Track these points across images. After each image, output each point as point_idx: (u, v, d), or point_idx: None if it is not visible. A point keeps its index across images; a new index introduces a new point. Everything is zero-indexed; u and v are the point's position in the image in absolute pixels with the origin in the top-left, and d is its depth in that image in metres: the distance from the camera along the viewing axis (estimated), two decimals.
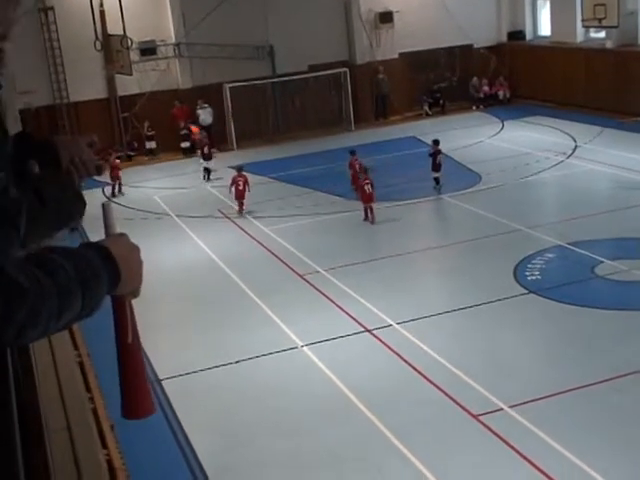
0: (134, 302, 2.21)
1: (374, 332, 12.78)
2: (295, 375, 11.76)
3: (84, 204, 2.46)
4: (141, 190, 23.17)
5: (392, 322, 13.05)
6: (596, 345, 11.72)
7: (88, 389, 4.46)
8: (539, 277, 14.42)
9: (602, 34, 28.85)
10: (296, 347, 12.55)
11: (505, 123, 28.52)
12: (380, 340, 12.49)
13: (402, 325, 12.92)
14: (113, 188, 23.07)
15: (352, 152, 21.32)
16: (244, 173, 20.56)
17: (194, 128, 27.69)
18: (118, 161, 24.01)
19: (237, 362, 12.24)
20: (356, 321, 13.26)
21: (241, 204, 20.36)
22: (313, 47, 29.83)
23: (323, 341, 12.66)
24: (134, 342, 2.17)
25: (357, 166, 20.52)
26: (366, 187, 18.35)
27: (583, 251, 15.38)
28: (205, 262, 17.17)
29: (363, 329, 12.95)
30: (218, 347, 12.93)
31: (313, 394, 11.13)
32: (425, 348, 12.01)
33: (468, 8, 31.64)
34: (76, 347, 5.07)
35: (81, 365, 4.81)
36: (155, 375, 12.00)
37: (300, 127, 28.53)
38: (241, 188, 20.30)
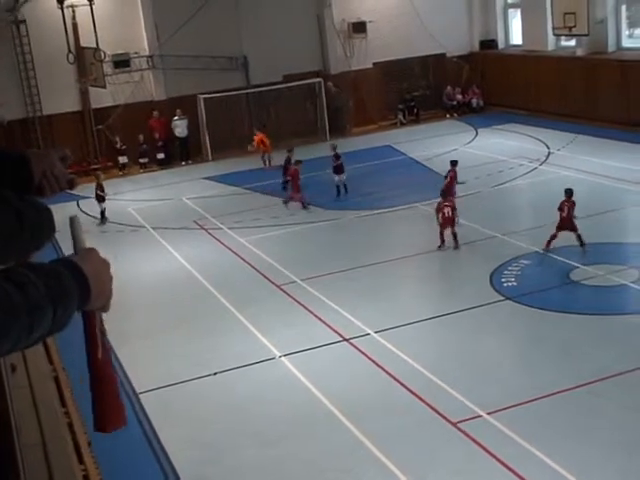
0: (106, 315, 2.20)
1: (352, 341, 12.78)
2: (273, 385, 11.73)
3: (54, 228, 2.43)
4: (116, 202, 23.03)
5: (370, 331, 13.06)
6: (573, 350, 11.79)
7: (63, 403, 4.42)
8: (515, 283, 14.50)
9: (572, 42, 29.14)
10: (274, 357, 12.51)
11: (479, 131, 28.70)
12: (358, 349, 12.49)
13: (380, 334, 12.92)
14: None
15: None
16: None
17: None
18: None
19: (215, 374, 12.19)
20: (334, 330, 13.25)
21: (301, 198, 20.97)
22: (287, 57, 29.89)
23: (301, 351, 12.64)
24: (104, 357, 2.16)
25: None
26: (445, 210, 16.57)
27: (558, 257, 15.48)
28: (182, 274, 17.10)
29: (341, 338, 12.95)
30: (196, 359, 12.87)
31: (292, 404, 11.11)
32: (403, 356, 12.02)
33: (441, 18, 31.90)
34: (51, 361, 5.03)
35: (56, 379, 4.76)
36: (132, 388, 11.92)
37: (275, 137, 28.50)
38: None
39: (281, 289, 15.47)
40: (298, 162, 21.67)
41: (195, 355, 13.04)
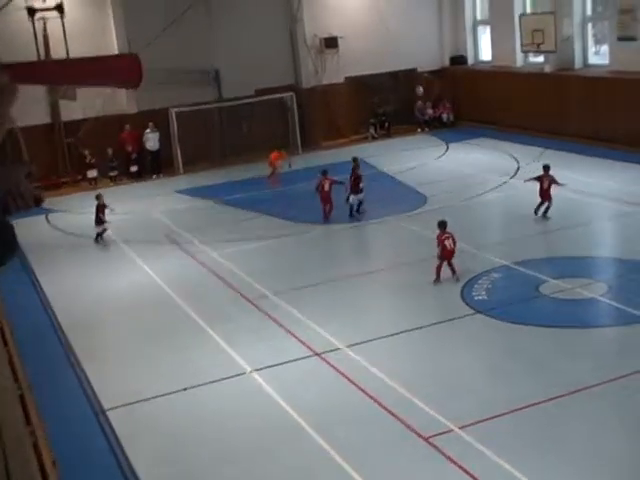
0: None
1: (323, 356, 12.75)
2: (244, 401, 11.67)
3: (15, 247, 2.40)
4: (85, 216, 22.85)
5: (341, 345, 13.05)
6: (543, 363, 11.86)
7: (29, 422, 4.36)
8: (486, 297, 14.58)
9: (541, 58, 29.49)
10: (244, 373, 12.45)
11: (450, 145, 28.90)
12: (329, 364, 12.46)
13: (351, 348, 12.91)
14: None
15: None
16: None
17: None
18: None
19: (185, 389, 12.10)
20: (305, 345, 13.22)
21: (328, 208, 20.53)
22: (259, 71, 29.97)
23: (272, 366, 12.59)
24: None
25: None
26: (447, 242, 15.52)
27: (528, 270, 15.59)
28: (152, 288, 16.99)
29: (312, 353, 12.92)
30: (165, 374, 12.77)
31: (262, 420, 11.05)
32: (374, 370, 12.02)
33: (411, 33, 32.22)
34: (17, 379, 4.96)
35: (22, 398, 4.70)
36: (100, 405, 11.79)
37: (248, 151, 28.52)
38: (327, 189, 20.42)
39: (253, 303, 15.42)
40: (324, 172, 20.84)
41: (165, 370, 12.94)
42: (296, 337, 13.57)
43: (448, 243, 15.43)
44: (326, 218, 20.52)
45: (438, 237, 15.57)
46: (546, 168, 18.84)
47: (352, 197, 20.59)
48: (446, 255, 15.44)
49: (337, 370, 12.20)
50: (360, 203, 20.73)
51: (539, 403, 10.64)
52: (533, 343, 12.62)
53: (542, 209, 18.71)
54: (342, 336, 13.36)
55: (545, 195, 18.57)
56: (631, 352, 12.00)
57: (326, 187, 20.54)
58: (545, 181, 18.67)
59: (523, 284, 15.03)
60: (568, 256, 16.34)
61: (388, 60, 31.91)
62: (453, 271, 15.44)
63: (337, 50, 31.33)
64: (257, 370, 12.46)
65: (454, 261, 15.49)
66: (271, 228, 20.60)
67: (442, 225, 15.72)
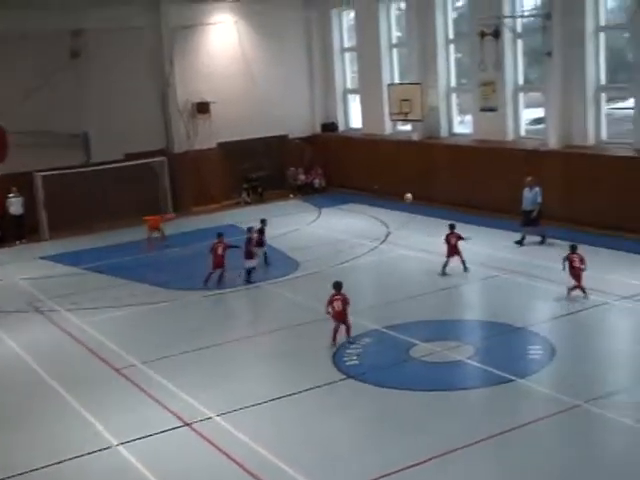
0: None
1: (193, 426, 12.41)
2: (109, 477, 11.15)
3: None
4: None
5: (212, 414, 12.74)
6: (414, 426, 11.93)
7: None
8: (357, 362, 14.62)
9: (408, 127, 30.49)
10: (110, 446, 11.93)
11: (322, 211, 29.27)
12: (200, 434, 12.13)
13: (222, 417, 12.63)
14: None
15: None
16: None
17: None
18: None
19: (44, 467, 11.46)
20: (175, 415, 12.84)
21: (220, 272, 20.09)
22: (130, 135, 29.71)
23: (140, 438, 12.13)
24: None
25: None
26: (335, 304, 15.50)
27: (399, 334, 15.79)
28: (11, 360, 16.19)
29: (182, 423, 12.55)
30: (26, 451, 12.09)
31: None
32: (246, 439, 11.77)
33: (283, 100, 32.80)
34: None
35: None
36: None
37: (116, 216, 27.95)
38: (220, 253, 20.07)
39: (121, 373, 14.91)
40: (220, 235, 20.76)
41: (26, 446, 12.25)
42: (165, 407, 13.17)
43: (337, 304, 15.47)
44: (219, 282, 20.26)
45: (330, 298, 15.60)
46: (452, 226, 20.11)
47: (246, 262, 20.47)
48: (335, 317, 15.51)
49: (208, 440, 11.87)
50: (252, 268, 20.58)
51: (410, 467, 10.65)
52: (403, 407, 12.69)
53: (449, 265, 19.81)
54: (212, 405, 13.06)
55: (453, 251, 19.77)
56: (497, 412, 12.25)
57: (219, 251, 20.33)
58: (452, 239, 19.86)
59: (394, 348, 15.18)
60: (437, 319, 16.66)
61: (260, 126, 32.30)
62: (347, 333, 15.52)
63: (209, 115, 31.43)
64: (124, 443, 11.98)
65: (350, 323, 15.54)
66: (141, 295, 20.13)
67: (336, 286, 15.77)
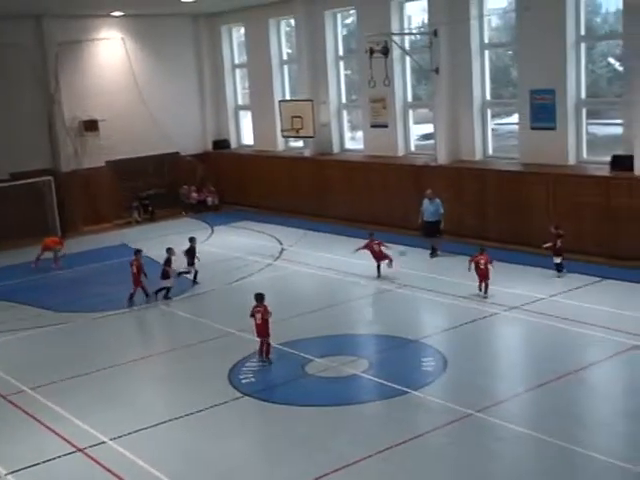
0: None
1: (86, 451, 12.07)
2: None
3: None
4: None
5: (106, 438, 12.43)
6: (310, 442, 11.94)
7: None
8: (253, 379, 14.56)
9: (300, 143, 30.72)
10: None
11: (215, 228, 29.10)
12: (93, 459, 11.81)
13: (116, 440, 12.34)
14: None
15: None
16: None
17: None
18: None
19: None
20: (67, 441, 12.46)
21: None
22: (15, 154, 28.83)
23: (30, 466, 11.71)
24: None
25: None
26: (257, 316, 15.35)
27: (294, 350, 15.81)
28: None
29: (75, 449, 12.19)
30: None
31: None
32: (141, 463, 11.53)
33: (174, 117, 32.50)
34: None
35: None
36: None
37: (1, 237, 27.01)
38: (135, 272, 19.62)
39: (7, 400, 14.39)
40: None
41: None
42: (57, 433, 12.77)
43: (257, 317, 15.35)
44: (129, 300, 19.95)
45: (252, 310, 15.45)
46: (371, 234, 21.15)
47: (161, 281, 20.20)
48: (256, 330, 15.43)
49: (102, 465, 11.57)
50: (166, 288, 20.28)
51: None
52: (300, 423, 12.70)
53: (382, 267, 20.70)
54: (107, 428, 12.74)
55: (381, 256, 20.70)
56: (393, 424, 12.40)
57: (133, 269, 20.01)
58: (372, 245, 20.77)
59: (290, 364, 15.20)
60: (333, 334, 16.78)
61: (151, 144, 31.88)
62: (266, 348, 15.39)
63: (98, 133, 30.79)
64: (12, 473, 11.54)
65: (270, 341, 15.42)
66: (28, 318, 19.49)
67: (257, 298, 15.57)
